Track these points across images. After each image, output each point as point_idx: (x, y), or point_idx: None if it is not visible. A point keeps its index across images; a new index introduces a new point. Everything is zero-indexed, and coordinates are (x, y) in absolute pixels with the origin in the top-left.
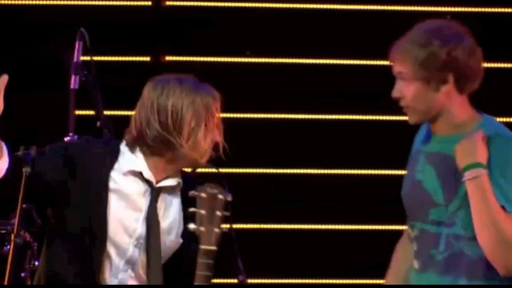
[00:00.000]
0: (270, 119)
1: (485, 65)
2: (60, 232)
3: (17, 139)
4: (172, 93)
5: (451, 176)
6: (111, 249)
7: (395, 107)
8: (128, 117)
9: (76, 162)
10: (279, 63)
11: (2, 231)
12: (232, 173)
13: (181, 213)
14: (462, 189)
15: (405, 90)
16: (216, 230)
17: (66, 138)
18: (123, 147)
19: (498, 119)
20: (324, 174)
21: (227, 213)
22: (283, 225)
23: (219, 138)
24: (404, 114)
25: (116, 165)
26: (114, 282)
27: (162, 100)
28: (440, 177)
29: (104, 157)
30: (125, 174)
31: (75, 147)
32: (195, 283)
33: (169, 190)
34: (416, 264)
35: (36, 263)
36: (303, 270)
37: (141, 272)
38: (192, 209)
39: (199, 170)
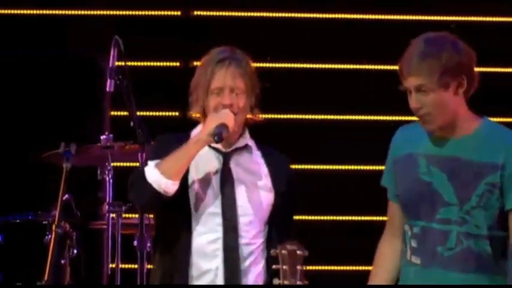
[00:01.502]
0: (286, 119)
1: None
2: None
3: (56, 137)
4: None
5: (467, 177)
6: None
7: None
8: (158, 118)
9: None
10: (299, 68)
11: (44, 222)
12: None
13: (266, 170)
14: (480, 189)
15: (425, 100)
16: (299, 282)
17: (102, 137)
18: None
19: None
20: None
21: (305, 267)
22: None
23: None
24: None
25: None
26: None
27: None
28: (453, 179)
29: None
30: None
31: (164, 140)
32: None
33: (241, 152)
34: (416, 260)
35: (75, 251)
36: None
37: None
38: (275, 266)
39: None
